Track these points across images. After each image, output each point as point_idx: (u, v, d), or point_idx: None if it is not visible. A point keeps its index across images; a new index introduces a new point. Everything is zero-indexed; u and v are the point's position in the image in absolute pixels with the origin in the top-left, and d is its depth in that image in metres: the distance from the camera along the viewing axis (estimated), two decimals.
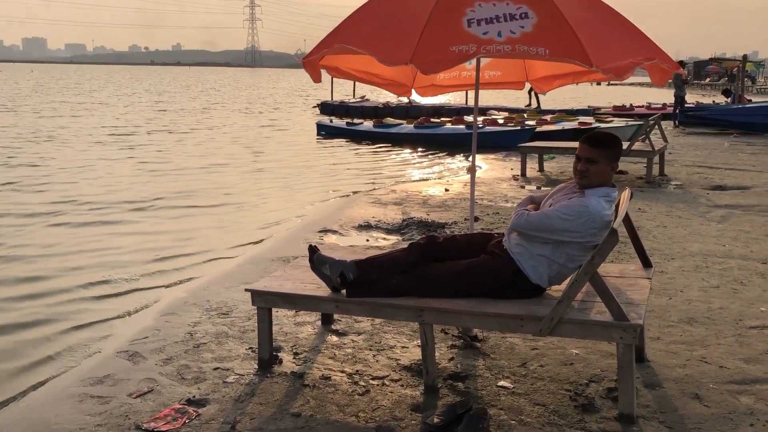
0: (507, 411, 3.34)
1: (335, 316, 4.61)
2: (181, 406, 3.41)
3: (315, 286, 3.74)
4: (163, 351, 4.13)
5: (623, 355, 3.14)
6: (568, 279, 3.34)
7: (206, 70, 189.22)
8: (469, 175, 11.56)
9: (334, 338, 4.31)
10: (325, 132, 18.87)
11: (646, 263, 3.89)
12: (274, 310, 4.61)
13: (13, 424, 3.35)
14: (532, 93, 26.66)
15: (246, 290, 3.85)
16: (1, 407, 3.62)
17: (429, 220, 7.50)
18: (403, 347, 4.14)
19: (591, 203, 3.24)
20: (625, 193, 3.62)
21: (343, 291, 3.60)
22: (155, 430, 3.19)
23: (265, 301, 3.78)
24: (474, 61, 4.79)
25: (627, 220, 3.78)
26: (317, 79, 3.84)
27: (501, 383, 3.64)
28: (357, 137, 17.82)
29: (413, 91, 4.90)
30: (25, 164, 12.17)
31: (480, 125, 16.95)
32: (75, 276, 5.82)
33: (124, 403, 3.47)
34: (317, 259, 3.64)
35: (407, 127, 17.52)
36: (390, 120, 19.16)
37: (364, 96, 27.89)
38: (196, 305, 4.95)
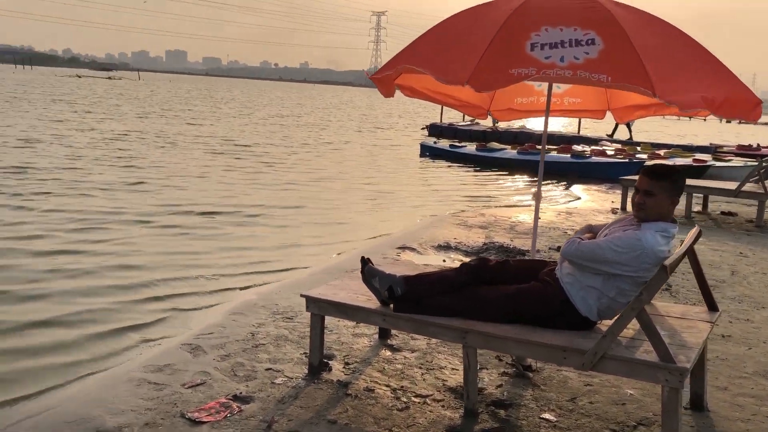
0: None
1: (392, 332, 4.66)
2: (226, 401, 3.56)
3: (366, 298, 3.80)
4: (223, 348, 4.33)
5: (668, 399, 2.99)
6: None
7: (329, 88, 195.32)
8: (565, 205, 11.32)
9: (387, 353, 4.35)
10: (429, 153, 18.99)
11: (712, 306, 3.67)
12: (336, 320, 4.76)
13: (74, 399, 3.63)
14: (628, 124, 25.69)
15: (301, 296, 3.97)
16: (72, 384, 3.91)
17: (510, 246, 7.39)
18: (453, 369, 4.12)
19: (645, 237, 3.12)
20: (692, 231, 3.45)
21: (392, 305, 3.64)
22: (197, 419, 3.35)
23: (318, 308, 3.88)
24: (554, 88, 4.75)
25: (693, 259, 3.60)
26: (388, 94, 3.93)
27: (545, 415, 3.55)
28: (459, 160, 17.82)
29: (489, 113, 4.89)
30: (146, 166, 13.02)
31: (587, 155, 16.50)
32: (163, 271, 6.18)
33: (176, 391, 3.67)
34: (368, 271, 3.71)
35: (511, 152, 17.33)
36: (495, 144, 19.02)
37: (474, 119, 27.82)
38: (264, 308, 5.14)
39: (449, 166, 16.98)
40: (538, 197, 4.31)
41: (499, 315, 3.43)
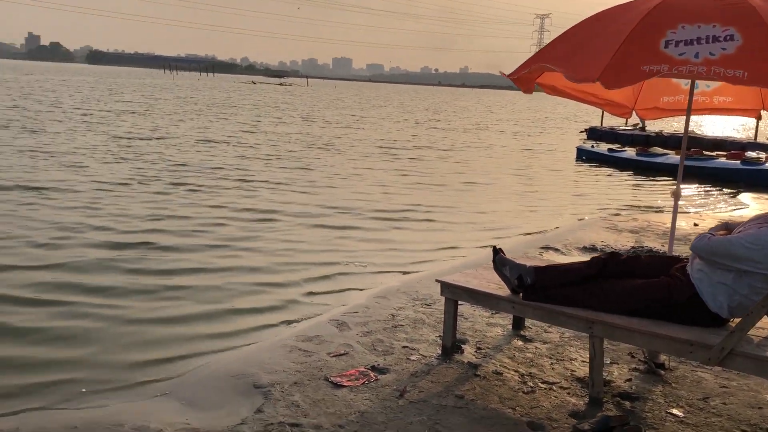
0: None
1: (527, 324, 4.81)
2: (365, 370, 3.93)
3: (497, 286, 4.01)
4: (366, 325, 4.72)
5: None
6: None
7: (489, 92, 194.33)
8: (728, 213, 10.69)
9: (519, 342, 4.51)
10: (585, 157, 18.55)
11: None
12: (472, 310, 5.00)
13: (238, 359, 4.17)
14: None
15: (436, 281, 4.26)
16: (238, 348, 4.47)
17: (660, 252, 7.20)
18: (583, 361, 4.20)
19: None
20: None
21: (521, 294, 3.82)
22: (339, 383, 3.74)
23: (452, 293, 4.14)
24: (702, 86, 4.67)
25: None
26: (527, 90, 4.10)
27: (672, 410, 3.56)
28: (617, 165, 17.25)
29: (634, 112, 4.89)
30: (299, 167, 13.95)
31: (761, 161, 15.35)
32: (319, 259, 6.71)
33: (322, 359, 4.10)
34: (499, 261, 3.91)
35: (674, 158, 16.51)
36: (656, 149, 18.18)
37: (638, 124, 26.65)
38: (406, 294, 5.49)
39: (606, 171, 16.51)
40: (676, 196, 4.27)
41: (626, 307, 3.50)
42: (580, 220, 9.75)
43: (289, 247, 7.07)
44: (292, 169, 13.33)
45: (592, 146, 19.53)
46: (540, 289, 3.74)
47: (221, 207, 9.03)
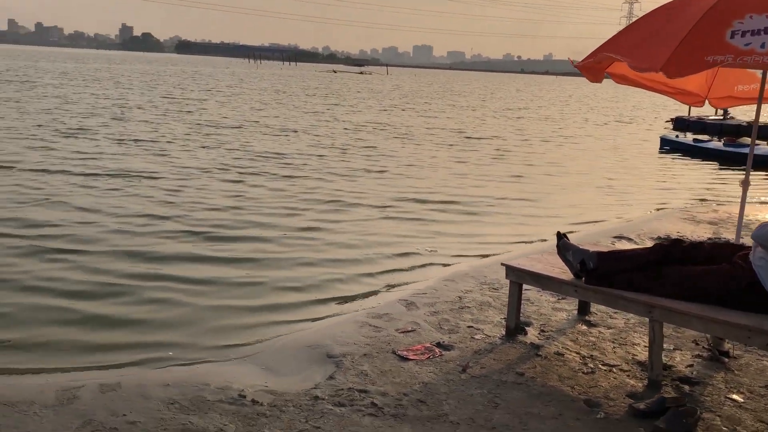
0: (724, 419, 3.36)
1: (592, 309, 4.91)
2: (430, 346, 4.16)
3: (561, 270, 4.14)
4: (434, 306, 4.94)
5: None
6: None
7: (572, 79, 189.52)
8: None
9: (583, 327, 4.63)
10: (669, 147, 18.05)
11: None
12: (539, 295, 5.15)
13: (314, 332, 4.48)
14: None
15: (501, 264, 4.43)
16: (315, 321, 4.78)
17: (738, 244, 7.06)
18: (645, 347, 4.28)
19: None
20: None
21: (583, 278, 3.94)
22: (405, 357, 3.98)
23: (516, 277, 4.30)
24: None
25: None
26: (594, 80, 4.19)
27: (732, 396, 3.62)
28: (703, 155, 16.71)
29: (707, 101, 4.89)
30: (385, 156, 14.23)
31: None
32: (392, 245, 6.97)
33: (390, 334, 4.35)
34: (563, 245, 4.04)
35: (765, 148, 15.84)
36: (745, 140, 17.48)
37: (729, 113, 25.54)
38: (474, 278, 5.67)
39: (690, 162, 16.04)
40: (745, 185, 4.27)
41: (686, 293, 3.57)
42: (658, 210, 9.62)
43: (363, 233, 7.35)
44: (367, 157, 13.62)
45: (677, 136, 18.95)
46: (602, 274, 3.85)
47: (301, 194, 9.41)
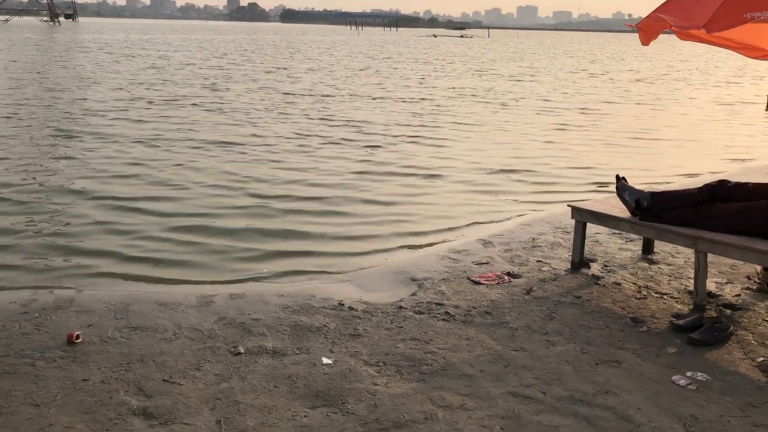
0: (756, 335, 3.84)
1: (656, 249, 5.38)
2: (501, 274, 4.81)
3: (621, 210, 4.66)
4: (508, 245, 5.56)
5: None
6: None
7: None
8: None
9: (644, 263, 5.12)
10: None
11: None
12: (607, 237, 5.67)
13: (402, 262, 5.22)
14: None
15: (568, 205, 4.98)
16: (402, 251, 5.52)
17: None
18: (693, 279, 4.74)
19: None
20: None
21: (639, 215, 4.45)
22: (478, 281, 4.66)
23: (580, 216, 4.85)
24: None
25: None
26: (645, 42, 4.62)
27: None
28: None
29: None
30: (465, 123, 14.71)
31: None
32: (478, 197, 7.59)
33: (467, 265, 5.03)
34: (620, 187, 4.56)
35: None
36: None
37: None
38: (549, 223, 6.23)
39: None
40: None
41: (730, 227, 4.03)
42: (744, 161, 9.67)
43: (453, 193, 7.99)
44: (456, 124, 14.13)
45: None
46: (655, 212, 4.35)
47: (405, 160, 10.14)
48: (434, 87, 21.22)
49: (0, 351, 3.54)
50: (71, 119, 12.12)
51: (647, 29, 4.56)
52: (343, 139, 10.94)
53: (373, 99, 17.05)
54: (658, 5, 4.37)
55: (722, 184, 4.26)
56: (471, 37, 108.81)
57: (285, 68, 27.50)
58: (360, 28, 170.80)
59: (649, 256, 5.29)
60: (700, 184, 4.45)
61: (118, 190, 7.26)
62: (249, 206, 6.77)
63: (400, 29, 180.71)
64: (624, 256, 5.29)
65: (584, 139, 11.73)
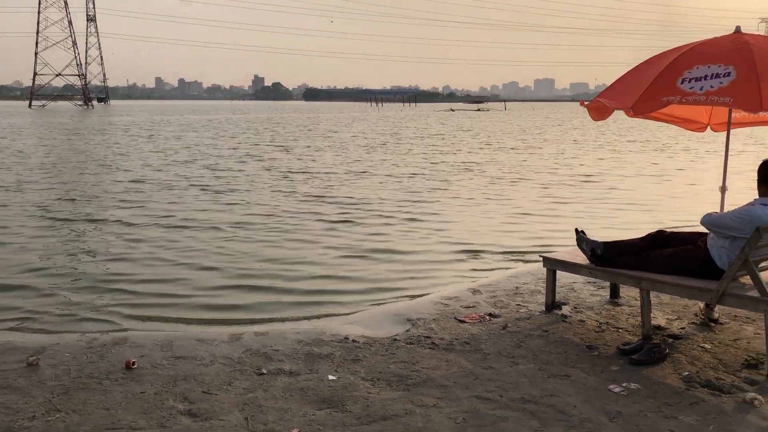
0: (688, 357, 4.65)
1: (622, 294, 6.21)
2: (483, 315, 5.67)
3: (582, 258, 5.54)
4: (494, 292, 6.44)
5: (767, 324, 4.20)
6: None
7: None
8: None
9: (610, 306, 5.95)
10: None
11: None
12: (582, 285, 6.52)
13: (400, 306, 6.11)
14: None
15: (539, 255, 5.88)
16: (400, 301, 6.41)
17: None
18: (653, 318, 5.56)
19: (754, 209, 4.35)
20: None
21: (594, 262, 5.32)
22: (462, 320, 5.53)
23: (550, 264, 5.73)
24: None
25: None
26: (596, 119, 5.58)
27: (703, 345, 4.88)
28: None
29: (708, 127, 6.12)
30: (440, 188, 15.72)
31: None
32: (471, 247, 8.50)
33: (455, 308, 5.91)
34: (579, 238, 5.45)
35: None
36: None
37: None
38: (533, 275, 7.09)
39: None
40: (723, 191, 5.49)
41: (665, 268, 4.88)
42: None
43: (441, 237, 8.94)
44: (435, 191, 15.15)
45: None
46: (607, 258, 5.23)
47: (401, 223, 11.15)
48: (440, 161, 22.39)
49: (74, 374, 4.47)
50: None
51: (597, 109, 5.56)
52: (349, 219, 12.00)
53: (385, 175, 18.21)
54: (604, 90, 5.37)
55: (660, 233, 5.14)
56: (488, 110, 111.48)
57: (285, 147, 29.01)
58: (380, 104, 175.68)
59: (615, 300, 6.11)
60: (645, 234, 5.33)
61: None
62: (274, 267, 7.76)
63: (419, 104, 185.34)
64: (593, 300, 6.13)
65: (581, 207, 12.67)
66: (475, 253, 8.41)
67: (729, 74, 4.58)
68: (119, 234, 9.63)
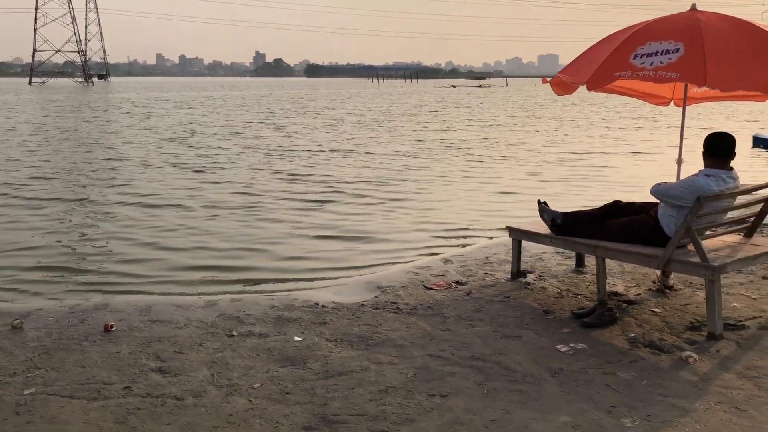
0: (638, 320, 4.90)
1: (586, 263, 6.45)
2: (450, 283, 5.92)
3: (546, 229, 5.77)
4: (464, 262, 6.69)
5: (708, 288, 4.45)
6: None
7: None
8: None
9: (573, 274, 6.20)
10: (763, 145, 18.38)
11: None
12: (550, 255, 6.76)
13: (372, 276, 6.37)
14: None
15: (506, 227, 6.11)
16: (373, 271, 6.66)
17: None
18: (613, 285, 5.80)
19: (698, 179, 4.57)
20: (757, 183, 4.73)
21: (555, 231, 5.55)
22: (430, 287, 5.78)
23: (515, 235, 5.97)
24: None
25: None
26: (559, 93, 5.78)
27: (654, 309, 5.13)
28: None
29: (672, 102, 6.32)
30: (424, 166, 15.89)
31: None
32: (447, 224, 8.73)
33: (425, 277, 6.16)
34: (541, 209, 5.69)
35: None
36: None
37: None
38: (505, 245, 7.32)
39: None
40: (679, 163, 5.70)
41: (618, 236, 5.12)
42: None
43: (423, 212, 9.18)
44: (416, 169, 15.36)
45: None
46: (566, 227, 5.46)
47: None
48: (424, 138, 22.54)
49: (55, 336, 4.74)
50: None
51: (559, 84, 5.76)
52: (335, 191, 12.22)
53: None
54: (566, 66, 5.57)
55: (615, 203, 5.37)
56: (489, 86, 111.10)
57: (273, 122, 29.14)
58: (381, 80, 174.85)
59: (580, 269, 6.36)
60: (602, 204, 5.56)
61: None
62: (253, 237, 8.01)
63: (420, 80, 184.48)
64: (558, 269, 6.38)
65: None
66: (450, 231, 8.64)
67: (678, 50, 4.77)
68: (100, 212, 9.88)
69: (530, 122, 29.44)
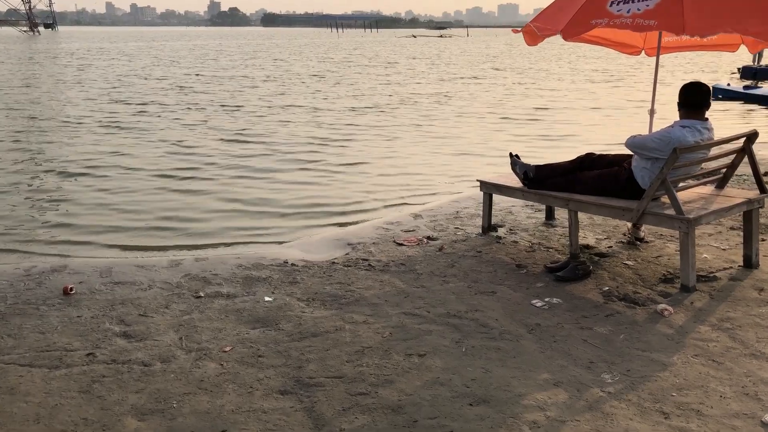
0: (610, 273, 4.87)
1: (557, 216, 6.40)
2: (422, 238, 5.82)
3: (516, 182, 5.68)
4: (434, 217, 6.58)
5: (682, 240, 4.42)
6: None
7: None
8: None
9: (543, 227, 6.15)
10: (721, 96, 18.58)
11: (762, 189, 4.79)
12: (520, 208, 6.69)
13: (343, 232, 6.23)
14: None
15: (476, 180, 6.01)
16: (344, 227, 6.52)
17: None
18: (583, 237, 5.78)
19: (673, 131, 4.50)
20: (746, 132, 4.68)
21: (526, 184, 5.47)
22: (401, 243, 5.67)
23: (486, 188, 5.86)
24: None
25: (750, 153, 4.78)
26: (530, 43, 5.63)
27: (626, 261, 5.11)
28: (755, 101, 17.25)
29: (643, 51, 6.22)
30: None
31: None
32: (416, 177, 8.61)
33: (396, 233, 6.04)
34: (513, 162, 5.58)
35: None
36: None
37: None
38: (474, 199, 7.25)
39: (741, 108, 16.64)
40: (651, 113, 5.64)
41: (590, 189, 5.05)
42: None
43: (396, 170, 9.04)
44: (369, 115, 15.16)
45: (728, 84, 19.40)
46: (538, 180, 5.37)
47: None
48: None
49: (10, 300, 4.50)
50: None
51: (530, 33, 5.59)
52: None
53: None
54: (537, 14, 5.40)
55: (588, 156, 5.29)
56: (450, 37, 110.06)
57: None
58: (340, 30, 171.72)
59: (551, 222, 6.31)
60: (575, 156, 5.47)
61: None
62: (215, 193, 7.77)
63: (380, 30, 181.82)
64: (529, 222, 6.32)
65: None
66: (418, 187, 8.52)
67: None
68: (41, 170, 9.48)
69: (493, 76, 29.25)
